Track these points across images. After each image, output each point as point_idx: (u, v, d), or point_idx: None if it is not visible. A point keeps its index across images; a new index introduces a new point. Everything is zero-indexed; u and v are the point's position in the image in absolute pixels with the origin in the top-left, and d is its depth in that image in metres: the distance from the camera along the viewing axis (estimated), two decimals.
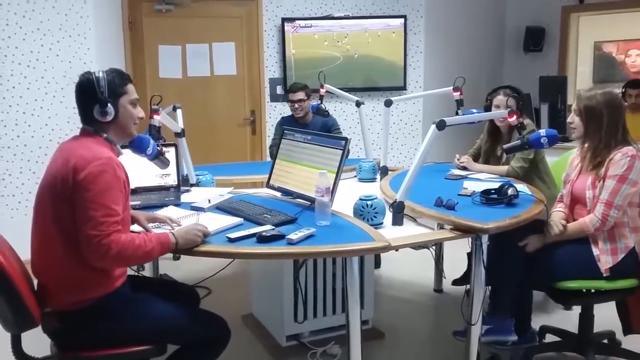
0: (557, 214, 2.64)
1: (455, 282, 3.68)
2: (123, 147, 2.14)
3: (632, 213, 2.48)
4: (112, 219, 1.80)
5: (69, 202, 1.81)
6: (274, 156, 2.87)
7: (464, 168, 3.40)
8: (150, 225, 2.17)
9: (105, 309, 1.91)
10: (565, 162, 3.40)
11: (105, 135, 1.98)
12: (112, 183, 1.82)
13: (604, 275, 2.46)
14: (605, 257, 2.46)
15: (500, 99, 3.30)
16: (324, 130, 3.98)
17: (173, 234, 1.95)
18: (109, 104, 1.92)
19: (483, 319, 2.55)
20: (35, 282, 1.97)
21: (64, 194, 1.82)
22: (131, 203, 2.47)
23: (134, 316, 1.95)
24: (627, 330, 2.70)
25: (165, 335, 2.01)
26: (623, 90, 4.81)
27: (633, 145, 2.48)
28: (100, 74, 1.95)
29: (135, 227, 2.14)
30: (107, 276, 1.92)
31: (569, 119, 2.60)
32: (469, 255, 3.39)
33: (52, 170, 1.90)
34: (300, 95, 4.11)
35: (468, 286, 2.41)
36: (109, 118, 1.94)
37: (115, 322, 1.92)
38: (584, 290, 2.56)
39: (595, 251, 2.48)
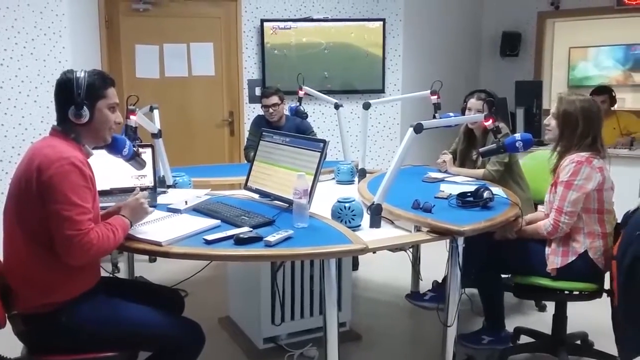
0: (534, 214, 2.76)
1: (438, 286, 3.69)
2: (99, 147, 2.10)
3: (587, 219, 2.53)
4: (87, 217, 1.79)
5: (33, 203, 1.78)
6: (250, 158, 2.85)
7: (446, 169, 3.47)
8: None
9: (72, 312, 1.86)
10: (539, 164, 3.47)
11: (73, 135, 1.92)
12: (79, 181, 1.80)
13: (551, 274, 2.55)
14: (554, 258, 2.55)
15: (472, 102, 3.36)
16: (298, 133, 3.97)
17: (125, 216, 2.00)
18: (84, 107, 1.88)
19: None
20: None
21: (27, 195, 1.80)
22: (106, 204, 2.45)
23: (102, 321, 1.91)
24: None
25: (136, 340, 1.97)
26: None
27: (600, 153, 2.53)
28: (82, 75, 1.91)
29: None
30: (73, 279, 1.87)
31: (545, 121, 2.67)
32: None
33: (18, 171, 1.87)
34: (274, 99, 4.07)
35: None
36: (83, 121, 1.90)
37: (82, 326, 1.87)
38: (536, 285, 2.63)
39: (547, 250, 2.58)
